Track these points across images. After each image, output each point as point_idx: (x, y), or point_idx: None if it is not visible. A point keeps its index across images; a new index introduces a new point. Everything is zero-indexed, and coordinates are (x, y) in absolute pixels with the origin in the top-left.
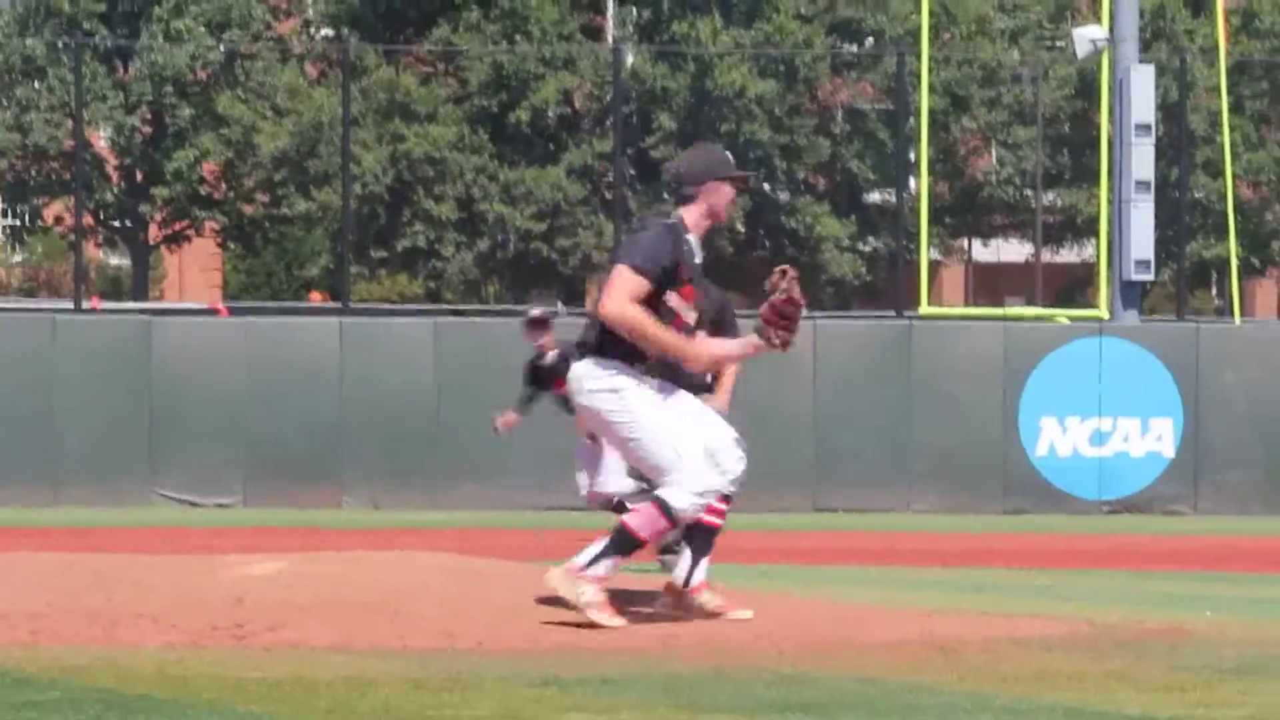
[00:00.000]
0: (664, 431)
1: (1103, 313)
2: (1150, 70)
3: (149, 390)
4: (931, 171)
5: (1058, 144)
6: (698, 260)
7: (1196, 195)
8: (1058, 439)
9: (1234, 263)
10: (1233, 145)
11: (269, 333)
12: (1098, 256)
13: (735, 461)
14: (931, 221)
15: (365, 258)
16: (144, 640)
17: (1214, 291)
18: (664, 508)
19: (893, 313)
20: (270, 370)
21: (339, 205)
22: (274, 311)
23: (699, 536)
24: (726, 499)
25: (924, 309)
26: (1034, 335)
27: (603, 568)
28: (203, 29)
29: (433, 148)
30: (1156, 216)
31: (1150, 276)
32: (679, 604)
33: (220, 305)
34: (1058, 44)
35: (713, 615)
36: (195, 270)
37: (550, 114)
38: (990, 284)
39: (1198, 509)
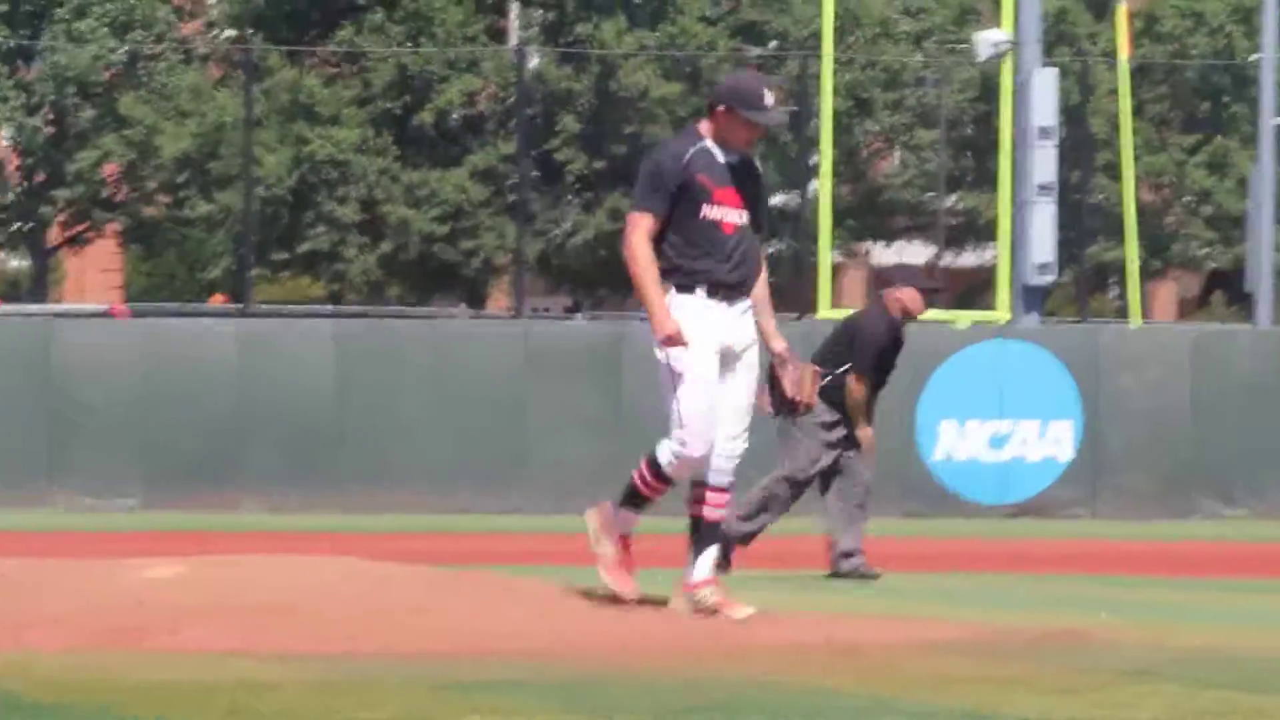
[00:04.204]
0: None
1: (1004, 315)
2: (1053, 74)
3: (48, 392)
4: (834, 174)
5: (961, 147)
6: (724, 160)
7: (1098, 198)
8: (957, 442)
9: (1134, 265)
10: (1134, 148)
11: (168, 334)
12: (998, 259)
13: (723, 451)
14: (834, 224)
15: (267, 260)
16: (46, 644)
17: (1114, 294)
18: (651, 459)
19: (795, 315)
20: (169, 372)
21: (241, 207)
22: (175, 314)
23: (700, 531)
24: (724, 490)
25: (824, 311)
26: (935, 338)
27: (622, 520)
28: (106, 30)
29: (336, 150)
30: (1058, 219)
31: (1052, 278)
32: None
33: (118, 305)
34: (961, 47)
35: (711, 613)
36: (95, 272)
37: (454, 116)
38: None
39: (1096, 513)
